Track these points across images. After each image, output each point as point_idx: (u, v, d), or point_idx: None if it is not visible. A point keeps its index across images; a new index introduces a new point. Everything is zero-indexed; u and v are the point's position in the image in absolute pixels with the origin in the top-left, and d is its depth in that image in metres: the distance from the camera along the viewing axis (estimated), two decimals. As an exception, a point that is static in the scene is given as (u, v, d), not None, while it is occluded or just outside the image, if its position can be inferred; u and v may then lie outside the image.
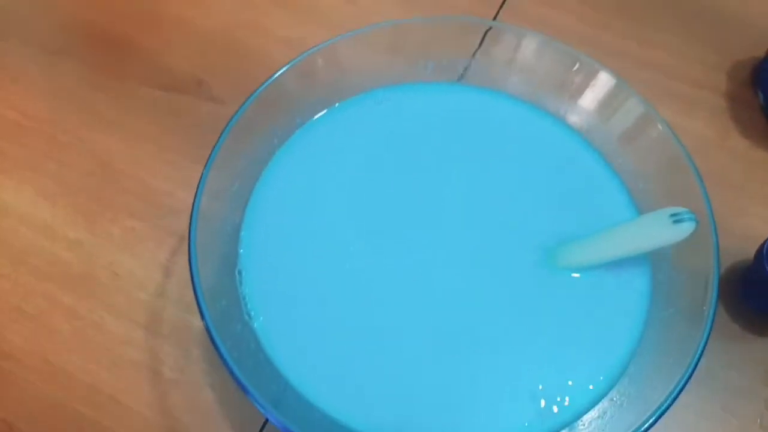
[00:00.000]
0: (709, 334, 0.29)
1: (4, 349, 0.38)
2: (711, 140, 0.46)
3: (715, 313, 0.30)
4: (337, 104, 0.38)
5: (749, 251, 0.40)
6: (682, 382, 0.28)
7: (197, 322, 0.39)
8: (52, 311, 0.39)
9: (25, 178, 0.43)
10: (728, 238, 0.41)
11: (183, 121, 0.46)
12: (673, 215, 0.30)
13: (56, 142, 0.45)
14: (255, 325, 0.31)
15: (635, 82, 0.37)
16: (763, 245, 0.38)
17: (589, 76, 0.36)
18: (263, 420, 0.37)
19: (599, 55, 0.37)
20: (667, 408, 0.28)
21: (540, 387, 0.31)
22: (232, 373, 0.27)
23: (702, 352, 0.29)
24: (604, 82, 0.36)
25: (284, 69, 0.35)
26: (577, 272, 0.33)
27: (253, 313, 0.32)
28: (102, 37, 0.50)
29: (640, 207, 0.35)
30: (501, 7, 0.51)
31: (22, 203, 0.43)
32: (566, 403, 0.30)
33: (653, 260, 0.34)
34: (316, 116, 0.37)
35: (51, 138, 0.45)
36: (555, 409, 0.30)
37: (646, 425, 0.28)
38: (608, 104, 0.36)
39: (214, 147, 0.33)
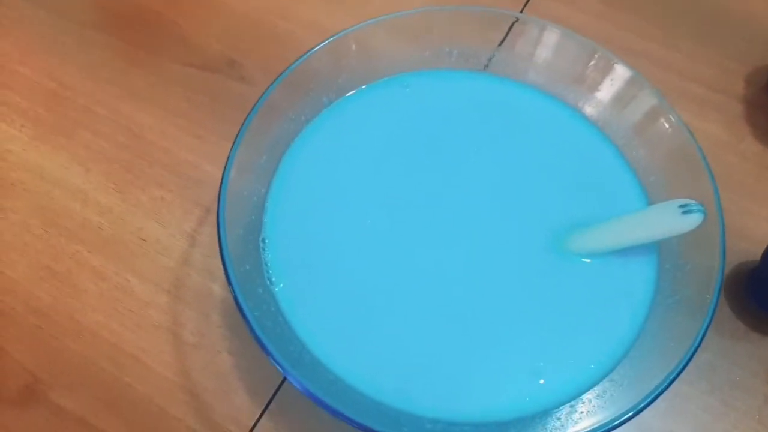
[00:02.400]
0: (710, 322, 0.30)
1: (33, 306, 0.40)
2: (725, 143, 0.47)
3: (717, 303, 0.31)
4: (364, 86, 0.39)
5: (757, 252, 0.41)
6: (680, 367, 0.29)
7: (219, 290, 0.41)
8: (81, 272, 0.41)
9: (60, 145, 0.45)
10: (737, 239, 0.43)
11: (213, 99, 0.48)
12: (682, 206, 0.31)
13: (91, 113, 0.47)
14: (276, 289, 0.33)
15: (654, 82, 0.39)
16: (770, 246, 0.39)
17: (606, 69, 0.38)
18: (277, 384, 0.38)
19: (618, 54, 0.38)
20: (663, 391, 0.29)
21: (542, 364, 0.32)
22: (252, 329, 0.29)
23: (701, 339, 0.30)
24: (620, 74, 0.37)
25: (313, 51, 0.36)
26: (586, 257, 0.34)
27: (274, 279, 0.33)
28: (138, 14, 0.52)
29: (652, 199, 0.37)
30: (525, 5, 0.52)
31: (56, 168, 0.45)
32: (566, 381, 0.32)
33: (661, 250, 0.35)
34: (343, 97, 0.39)
35: (86, 108, 0.47)
36: (555, 386, 0.32)
37: (642, 406, 0.29)
38: (622, 96, 0.38)
39: (243, 123, 0.34)
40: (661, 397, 0.29)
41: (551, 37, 0.39)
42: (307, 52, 0.37)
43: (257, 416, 0.38)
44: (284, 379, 0.38)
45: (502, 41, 0.40)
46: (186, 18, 0.51)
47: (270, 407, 0.38)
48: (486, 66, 0.41)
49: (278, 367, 0.29)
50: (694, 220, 0.31)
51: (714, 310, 0.31)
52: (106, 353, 0.39)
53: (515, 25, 0.40)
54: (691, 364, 0.30)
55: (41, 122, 0.46)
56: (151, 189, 0.44)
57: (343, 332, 0.32)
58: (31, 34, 0.51)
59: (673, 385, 0.30)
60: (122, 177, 0.44)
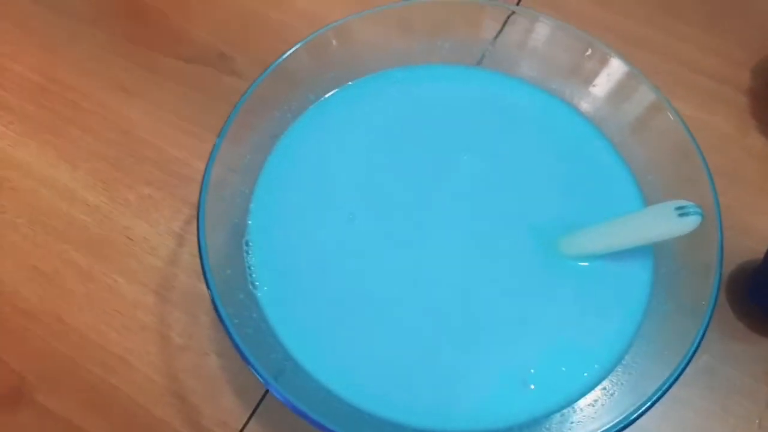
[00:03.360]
0: (705, 331, 0.29)
1: (20, 306, 0.40)
2: (730, 136, 0.45)
3: (713, 311, 0.30)
4: (351, 82, 0.38)
5: (761, 250, 0.39)
6: (675, 376, 0.28)
7: (207, 291, 0.40)
8: (68, 272, 0.41)
9: (47, 141, 0.45)
10: (740, 236, 0.41)
11: (204, 94, 0.47)
12: (678, 208, 0.30)
13: (79, 108, 0.46)
14: (259, 294, 0.32)
15: (657, 73, 0.37)
16: (773, 244, 0.38)
17: (602, 63, 0.36)
18: (265, 388, 0.37)
19: (622, 45, 0.37)
20: (657, 400, 0.28)
21: (532, 371, 0.31)
22: (232, 338, 0.28)
23: (697, 348, 0.29)
24: (616, 68, 0.36)
25: (297, 46, 0.35)
26: (579, 261, 0.33)
27: (258, 283, 0.32)
28: (129, 7, 0.51)
29: (648, 199, 0.35)
30: (524, -6, 0.51)
31: (43, 166, 0.44)
32: (558, 389, 0.31)
33: (657, 253, 0.34)
34: (330, 93, 0.38)
35: (74, 104, 0.46)
36: (546, 394, 0.31)
37: (636, 415, 0.28)
38: (619, 91, 0.36)
39: (227, 119, 0.33)
40: (658, 402, 0.29)
41: (546, 30, 0.37)
42: (294, 45, 0.35)
43: (245, 419, 0.37)
44: (272, 382, 0.37)
45: (497, 35, 0.39)
46: (176, 10, 0.50)
47: (258, 410, 0.37)
48: (480, 61, 0.40)
49: (257, 376, 0.28)
50: (691, 222, 0.30)
51: (710, 318, 0.29)
52: (93, 355, 0.39)
53: (511, 17, 0.39)
54: (689, 366, 0.29)
55: (29, 119, 0.46)
56: (139, 187, 0.43)
57: (327, 339, 0.32)
58: (21, 28, 0.50)
59: (671, 390, 0.29)
60: (110, 175, 0.44)
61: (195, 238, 0.41)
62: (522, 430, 0.30)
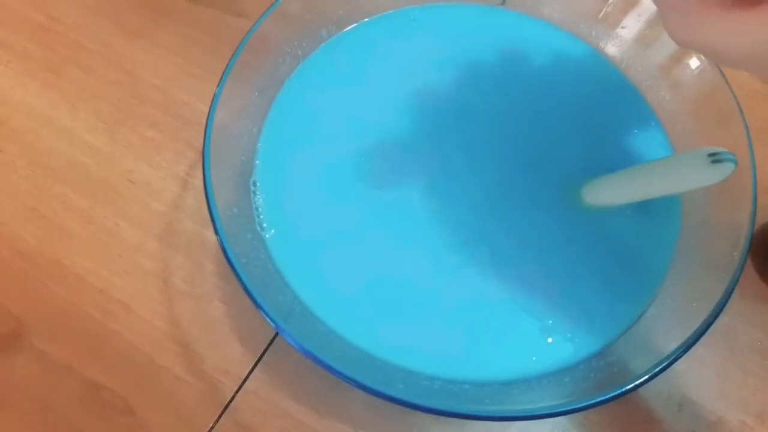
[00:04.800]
0: (735, 283, 0.28)
1: (18, 248, 0.39)
2: (758, 93, 0.44)
3: (744, 263, 0.28)
4: (367, 19, 0.36)
5: (787, 210, 0.38)
6: (700, 331, 0.27)
7: (212, 237, 0.38)
8: (67, 215, 0.39)
9: (48, 82, 0.43)
10: (764, 196, 0.39)
11: (209, 35, 0.45)
12: (711, 155, 0.28)
13: (82, 48, 0.44)
14: (266, 236, 0.31)
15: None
16: (802, 203, 0.36)
17: (631, 2, 0.34)
18: (272, 336, 0.36)
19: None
20: (679, 356, 0.27)
21: (551, 322, 0.30)
22: (238, 276, 0.27)
23: (725, 301, 0.28)
24: (646, 7, 0.34)
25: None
26: (603, 210, 0.32)
27: (265, 225, 0.31)
28: (134, -56, 0.49)
29: (676, 147, 0.34)
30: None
31: (44, 106, 0.42)
32: (577, 342, 0.29)
33: (685, 204, 0.32)
34: (344, 31, 0.36)
35: (77, 43, 0.44)
36: (565, 346, 0.29)
37: (656, 371, 0.27)
38: (648, 33, 0.34)
39: (231, 57, 0.32)
40: (677, 361, 0.27)
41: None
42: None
43: (250, 368, 0.36)
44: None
45: (521, -26, 0.37)
46: (183, -52, 0.48)
47: (264, 359, 0.36)
48: (503, 2, 0.38)
49: (265, 317, 0.27)
50: (724, 170, 0.28)
51: (740, 270, 0.28)
52: (93, 299, 0.37)
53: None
54: (710, 327, 0.28)
55: (29, 58, 0.44)
56: (142, 129, 0.41)
57: (337, 283, 0.30)
58: (20, -36, 0.48)
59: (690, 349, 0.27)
60: (112, 116, 0.42)
61: (200, 183, 0.40)
62: (539, 381, 0.29)
